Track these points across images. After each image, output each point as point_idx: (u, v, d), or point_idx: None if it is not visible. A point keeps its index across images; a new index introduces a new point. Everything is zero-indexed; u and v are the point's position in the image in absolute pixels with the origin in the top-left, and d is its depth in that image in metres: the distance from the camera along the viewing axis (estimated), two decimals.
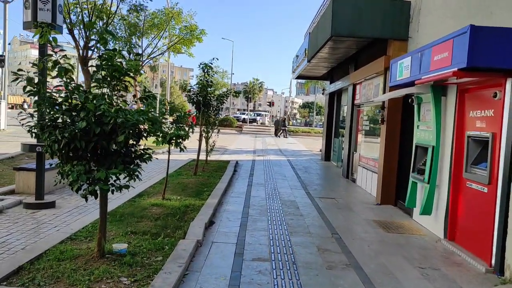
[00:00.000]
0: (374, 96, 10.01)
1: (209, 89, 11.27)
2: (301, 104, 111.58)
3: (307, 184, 11.00)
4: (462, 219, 5.80)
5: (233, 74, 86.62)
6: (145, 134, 4.35)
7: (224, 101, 12.63)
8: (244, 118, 52.12)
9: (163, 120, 7.11)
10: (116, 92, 4.53)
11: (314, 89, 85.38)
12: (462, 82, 5.80)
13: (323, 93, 20.69)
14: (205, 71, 10.96)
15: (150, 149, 4.62)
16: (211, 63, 10.99)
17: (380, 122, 8.99)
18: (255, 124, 49.98)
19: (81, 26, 12.00)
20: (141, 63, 16.22)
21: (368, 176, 10.27)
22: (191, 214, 6.84)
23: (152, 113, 4.34)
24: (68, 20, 12.35)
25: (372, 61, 9.64)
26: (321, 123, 65.85)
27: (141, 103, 4.75)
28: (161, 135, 7.48)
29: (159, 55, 17.92)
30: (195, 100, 11.16)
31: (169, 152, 8.06)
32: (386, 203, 8.71)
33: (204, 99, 11.09)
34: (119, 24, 14.56)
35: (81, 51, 13.38)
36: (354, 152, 11.96)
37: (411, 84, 6.74)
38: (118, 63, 4.37)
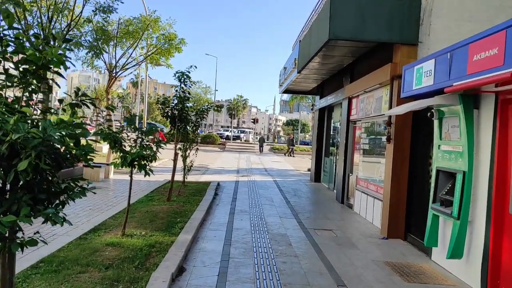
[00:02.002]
0: (375, 110, 8.71)
1: (186, 103, 9.78)
2: (285, 121, 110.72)
3: (298, 211, 9.55)
4: (510, 267, 4.43)
5: (216, 90, 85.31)
6: (69, 157, 2.81)
7: (205, 116, 11.22)
8: (227, 135, 50.65)
9: (121, 136, 5.71)
10: (33, 95, 3.05)
11: (298, 107, 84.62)
12: (504, 90, 4.52)
13: (312, 109, 19.46)
14: (182, 80, 9.49)
15: (83, 179, 3.09)
16: (189, 72, 9.54)
17: (386, 140, 7.66)
18: (238, 141, 48.74)
19: (40, 29, 10.53)
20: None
21: (369, 203, 8.89)
22: (156, 257, 5.31)
23: (82, 125, 2.79)
24: (24, 22, 10.80)
25: (374, 71, 8.38)
26: (304, 140, 64.94)
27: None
28: (120, 155, 6.09)
29: (134, 65, 16.36)
30: (169, 114, 9.65)
31: (131, 176, 6.49)
32: (394, 236, 7.32)
33: (180, 113, 9.60)
34: (84, 27, 12.99)
35: None
36: (350, 174, 10.60)
37: (433, 93, 5.44)
38: (35, 52, 2.91)
